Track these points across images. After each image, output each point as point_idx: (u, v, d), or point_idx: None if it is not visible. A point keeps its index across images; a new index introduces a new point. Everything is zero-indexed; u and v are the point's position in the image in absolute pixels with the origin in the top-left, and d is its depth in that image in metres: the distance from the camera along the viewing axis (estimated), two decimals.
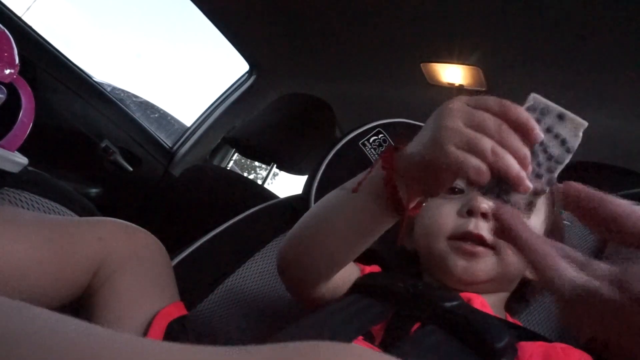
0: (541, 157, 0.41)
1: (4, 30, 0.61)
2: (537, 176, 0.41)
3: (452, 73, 1.55)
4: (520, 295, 0.63)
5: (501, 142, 0.40)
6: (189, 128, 1.87)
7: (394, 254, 0.69)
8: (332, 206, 0.52)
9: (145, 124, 1.70)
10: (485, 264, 0.55)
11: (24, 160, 0.60)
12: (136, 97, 2.29)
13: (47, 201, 0.59)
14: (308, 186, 0.77)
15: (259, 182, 1.84)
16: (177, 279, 0.59)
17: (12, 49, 0.61)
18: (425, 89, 1.65)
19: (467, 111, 0.41)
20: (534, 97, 0.42)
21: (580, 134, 0.41)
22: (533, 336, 0.54)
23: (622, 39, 1.16)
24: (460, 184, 0.60)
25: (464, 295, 0.54)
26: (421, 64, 1.55)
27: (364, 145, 0.79)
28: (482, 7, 1.24)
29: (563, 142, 0.41)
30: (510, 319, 0.59)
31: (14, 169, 0.59)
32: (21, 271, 0.46)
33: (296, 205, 0.78)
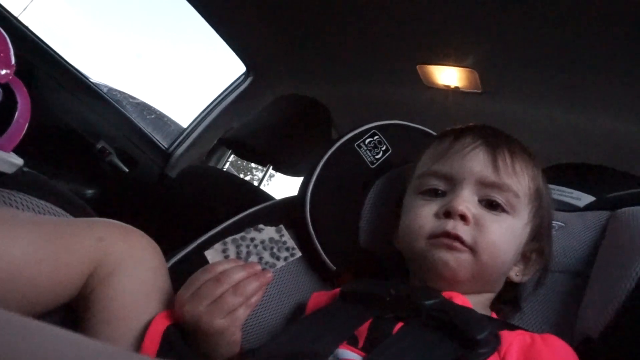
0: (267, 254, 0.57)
1: (0, 31, 0.61)
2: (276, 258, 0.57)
3: (448, 75, 1.56)
4: (509, 298, 0.64)
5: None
6: (186, 129, 1.87)
7: (388, 254, 0.70)
8: None
9: (142, 125, 1.70)
10: (461, 259, 0.56)
11: (19, 161, 0.60)
12: (133, 98, 2.28)
13: (43, 202, 0.59)
14: (304, 188, 0.77)
15: (255, 183, 1.85)
16: (172, 281, 0.59)
17: (8, 49, 0.61)
18: (421, 91, 1.66)
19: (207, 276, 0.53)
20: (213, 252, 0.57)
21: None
22: (512, 327, 0.55)
23: (620, 40, 1.17)
24: (441, 186, 0.61)
25: (446, 294, 0.55)
26: (417, 66, 1.56)
27: (359, 147, 0.80)
28: (478, 10, 1.24)
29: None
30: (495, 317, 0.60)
31: (9, 170, 0.58)
32: (16, 272, 0.46)
33: (292, 206, 0.79)
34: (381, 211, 0.77)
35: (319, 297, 0.66)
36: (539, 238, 0.63)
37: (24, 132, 0.62)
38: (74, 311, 0.54)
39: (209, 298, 0.51)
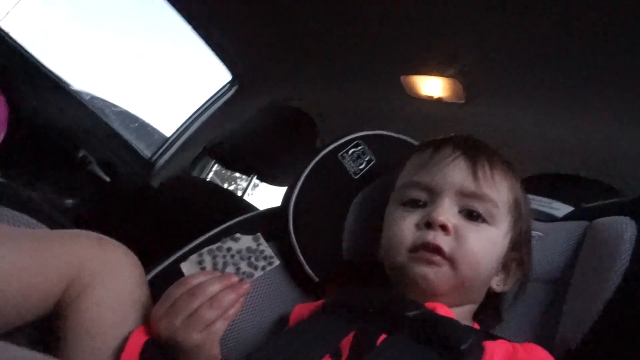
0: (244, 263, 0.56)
1: None
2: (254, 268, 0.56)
3: (432, 85, 1.58)
4: (491, 308, 0.64)
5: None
6: (169, 138, 1.85)
7: (368, 265, 0.70)
8: None
9: (124, 133, 1.68)
10: (441, 274, 0.57)
11: None
12: (115, 106, 2.26)
13: (17, 213, 0.58)
14: (287, 198, 0.76)
15: (240, 193, 1.84)
16: (153, 293, 0.58)
17: None
18: (405, 101, 1.67)
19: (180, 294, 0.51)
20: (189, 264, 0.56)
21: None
22: (494, 337, 0.55)
23: (602, 52, 1.19)
24: (422, 197, 0.61)
25: (429, 305, 0.55)
26: (401, 77, 1.58)
27: (343, 157, 0.80)
28: (461, 21, 1.27)
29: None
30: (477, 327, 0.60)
31: None
32: None
33: (275, 217, 0.78)
34: (364, 222, 0.77)
35: (302, 309, 0.66)
36: (518, 248, 0.63)
37: (0, 141, 0.61)
38: (49, 327, 0.52)
39: (184, 313, 0.50)
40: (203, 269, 0.55)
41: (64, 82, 1.50)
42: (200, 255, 0.56)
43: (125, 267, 0.55)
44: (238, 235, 0.57)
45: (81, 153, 1.46)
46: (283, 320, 0.68)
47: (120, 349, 0.50)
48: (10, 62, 1.33)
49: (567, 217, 0.76)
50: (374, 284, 0.68)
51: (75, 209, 1.48)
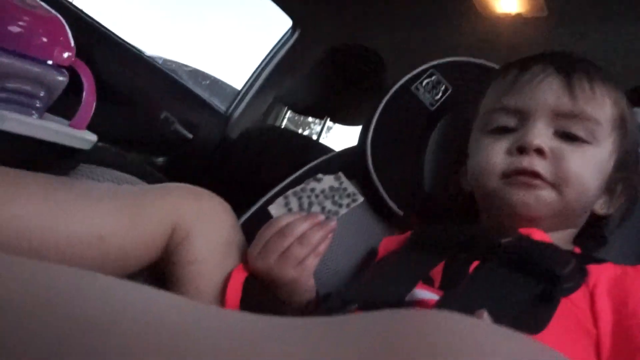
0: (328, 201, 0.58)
1: (57, 16, 0.63)
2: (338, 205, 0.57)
3: (508, 0, 1.44)
4: (593, 231, 0.60)
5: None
6: (240, 91, 1.89)
7: (451, 197, 0.68)
8: None
9: (199, 91, 1.74)
10: (543, 197, 0.52)
11: (93, 137, 0.63)
12: (186, 66, 2.33)
13: (119, 173, 0.63)
14: (363, 136, 0.76)
15: (315, 137, 1.86)
16: (246, 235, 0.62)
17: (67, 33, 0.63)
18: (478, 22, 1.55)
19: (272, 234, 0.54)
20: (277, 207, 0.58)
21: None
22: (600, 260, 0.52)
23: None
24: (511, 122, 0.57)
25: (523, 230, 0.52)
26: None
27: (417, 89, 0.77)
28: None
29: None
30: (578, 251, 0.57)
31: (86, 146, 0.62)
32: (97, 239, 0.50)
33: (352, 156, 0.78)
34: (445, 154, 0.75)
35: (389, 242, 0.66)
36: (625, 167, 0.58)
37: (92, 110, 0.65)
38: (158, 273, 0.58)
39: (276, 252, 0.52)
40: (290, 210, 0.57)
41: (139, 50, 1.57)
42: (286, 197, 0.58)
43: (219, 213, 0.59)
44: (320, 175, 0.58)
45: (163, 114, 1.54)
46: (372, 252, 0.69)
47: (224, 285, 0.54)
48: (87, 36, 1.40)
49: None
50: (461, 214, 0.66)
51: (165, 167, 1.59)
